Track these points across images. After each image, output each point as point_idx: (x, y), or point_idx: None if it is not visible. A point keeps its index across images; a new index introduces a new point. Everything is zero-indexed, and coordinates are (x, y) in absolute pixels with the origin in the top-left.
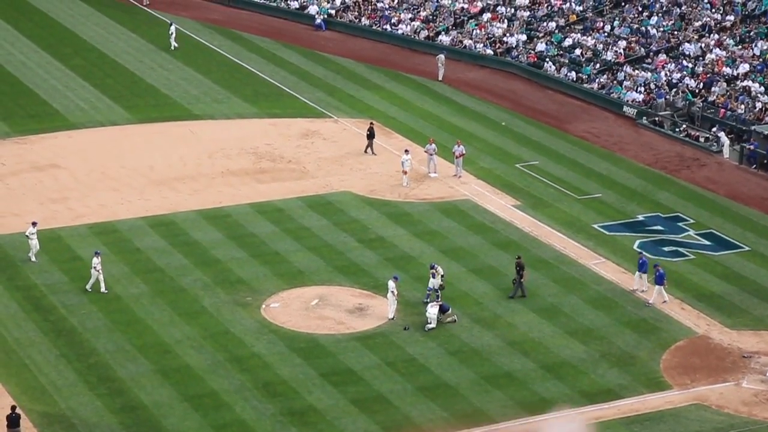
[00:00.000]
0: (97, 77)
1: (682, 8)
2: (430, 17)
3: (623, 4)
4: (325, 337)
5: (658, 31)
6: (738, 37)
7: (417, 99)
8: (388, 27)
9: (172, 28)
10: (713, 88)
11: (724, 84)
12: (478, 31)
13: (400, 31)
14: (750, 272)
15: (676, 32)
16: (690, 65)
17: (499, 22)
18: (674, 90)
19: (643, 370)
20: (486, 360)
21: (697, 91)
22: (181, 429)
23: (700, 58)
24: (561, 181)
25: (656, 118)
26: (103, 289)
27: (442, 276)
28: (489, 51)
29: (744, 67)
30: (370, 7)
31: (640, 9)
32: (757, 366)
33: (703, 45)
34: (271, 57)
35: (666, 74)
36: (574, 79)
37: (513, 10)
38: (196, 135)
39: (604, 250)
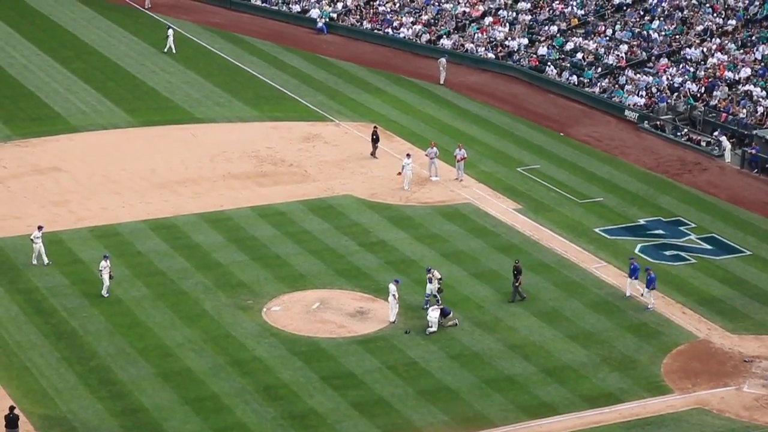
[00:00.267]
0: (99, 80)
1: (684, 12)
2: (432, 21)
3: (625, 8)
4: (326, 340)
5: (659, 35)
6: (740, 42)
7: (418, 102)
8: (389, 30)
9: (170, 31)
10: (715, 93)
11: (726, 88)
12: (480, 34)
13: (401, 35)
14: (751, 276)
15: (677, 36)
16: (692, 69)
17: (501, 25)
18: (676, 94)
19: (644, 374)
20: (487, 364)
21: (698, 95)
22: None
23: (702, 63)
24: (562, 185)
25: (658, 122)
26: (104, 293)
27: (439, 280)
28: (490, 55)
29: (746, 72)
30: (371, 10)
31: (641, 13)
32: (758, 370)
33: (704, 49)
34: (273, 60)
35: (668, 78)
36: (576, 83)
37: (515, 13)
38: (198, 138)
39: (606, 254)
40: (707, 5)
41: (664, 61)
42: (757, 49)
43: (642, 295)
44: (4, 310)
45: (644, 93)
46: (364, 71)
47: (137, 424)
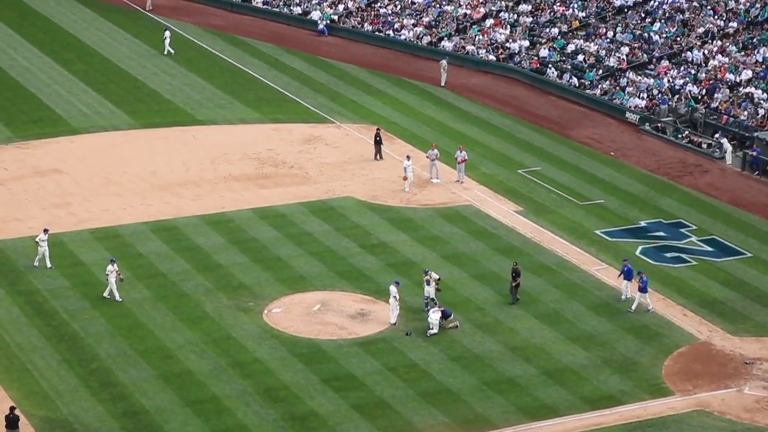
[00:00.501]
0: (100, 82)
1: (685, 15)
2: (433, 23)
3: (626, 10)
4: (327, 342)
5: (660, 38)
6: (741, 44)
7: (419, 105)
8: (390, 33)
9: (167, 33)
10: (716, 95)
11: (727, 90)
12: (481, 36)
13: (402, 37)
14: (752, 278)
15: (678, 38)
16: (693, 71)
17: (502, 27)
18: (677, 96)
19: (645, 377)
20: (488, 366)
21: (699, 97)
22: None
23: (703, 65)
24: (563, 187)
25: (659, 125)
26: (105, 295)
27: (436, 281)
28: (491, 57)
29: (747, 74)
30: (372, 12)
31: (642, 15)
32: (759, 372)
33: (705, 51)
34: (274, 62)
35: (669, 80)
36: (577, 85)
37: (516, 16)
38: (199, 140)
39: (607, 256)
40: (708, 7)
41: (665, 63)
42: (758, 52)
43: (629, 297)
44: (5, 312)
45: (645, 95)
46: (365, 73)
47: (138, 426)
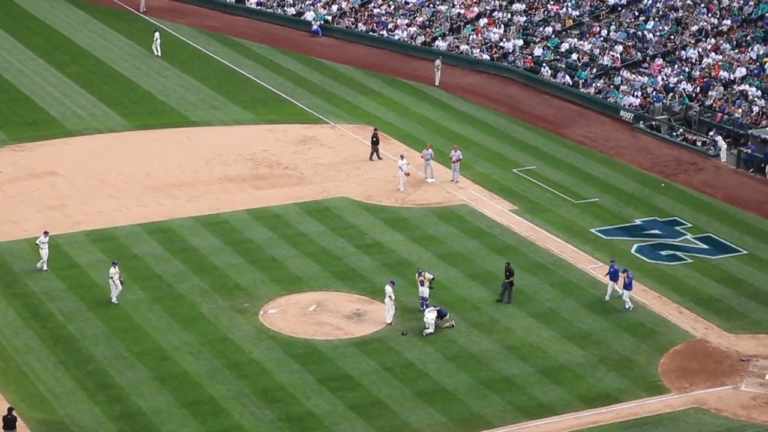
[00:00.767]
0: (94, 84)
1: (679, 13)
2: (427, 23)
3: (620, 8)
4: (323, 342)
5: (654, 36)
6: (735, 42)
7: (414, 104)
8: (384, 33)
9: (156, 34)
10: (710, 92)
11: (721, 88)
12: (475, 36)
13: (396, 37)
14: (747, 276)
15: (672, 36)
16: (687, 69)
17: (496, 27)
18: (671, 94)
19: (641, 374)
20: (484, 365)
21: (694, 95)
22: None
23: (697, 63)
24: (558, 186)
25: (653, 123)
26: (113, 300)
27: (430, 280)
28: (485, 56)
29: (741, 71)
30: (366, 12)
31: (636, 13)
32: (756, 369)
33: (700, 49)
34: (268, 63)
35: (663, 78)
36: (571, 83)
37: (509, 15)
38: (194, 141)
39: (602, 255)
40: (702, 5)
41: (659, 61)
42: (752, 49)
43: (614, 296)
44: (0, 315)
45: (639, 93)
46: (359, 73)
47: (135, 428)
